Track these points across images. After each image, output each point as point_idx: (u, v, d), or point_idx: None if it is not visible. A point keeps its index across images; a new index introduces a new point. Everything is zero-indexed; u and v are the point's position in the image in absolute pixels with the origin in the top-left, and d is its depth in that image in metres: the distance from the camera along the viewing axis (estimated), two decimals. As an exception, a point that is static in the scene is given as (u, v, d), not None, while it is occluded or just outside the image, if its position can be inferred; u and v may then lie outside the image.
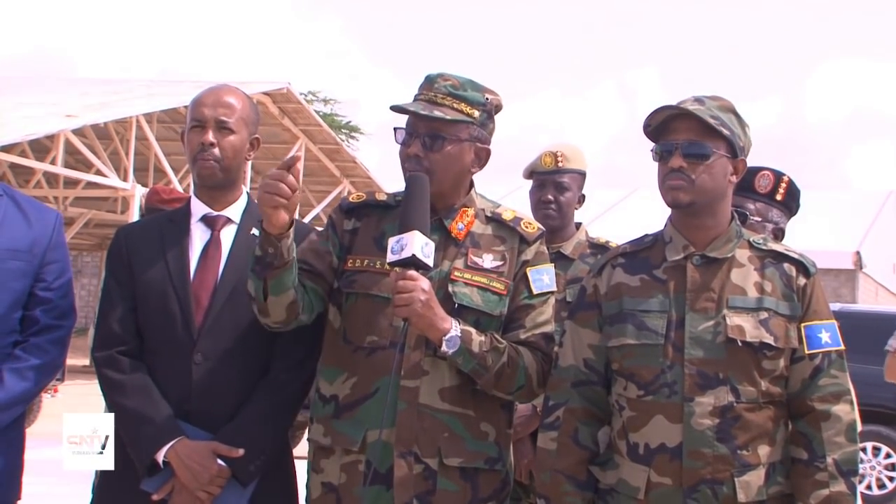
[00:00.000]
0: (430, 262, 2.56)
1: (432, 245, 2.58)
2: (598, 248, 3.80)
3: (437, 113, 2.70)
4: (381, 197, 2.85)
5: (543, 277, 2.79)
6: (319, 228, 2.94)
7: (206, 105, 2.84)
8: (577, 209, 3.87)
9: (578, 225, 3.88)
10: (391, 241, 2.56)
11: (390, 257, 2.55)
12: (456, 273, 2.70)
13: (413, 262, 2.53)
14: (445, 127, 2.72)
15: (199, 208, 2.90)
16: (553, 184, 3.78)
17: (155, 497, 2.72)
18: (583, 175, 3.86)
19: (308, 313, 2.70)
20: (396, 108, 2.75)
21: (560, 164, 3.79)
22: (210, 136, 2.81)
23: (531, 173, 3.86)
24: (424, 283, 2.56)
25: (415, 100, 2.76)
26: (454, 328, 2.59)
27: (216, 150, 2.81)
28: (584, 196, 3.89)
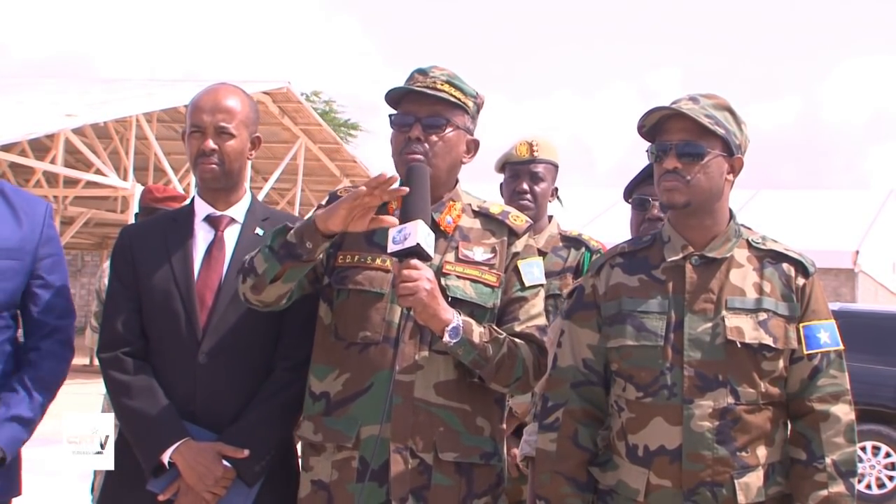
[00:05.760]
0: (431, 252, 2.56)
1: (433, 235, 2.57)
2: (571, 240, 3.77)
3: (442, 95, 2.71)
4: None
5: (534, 270, 2.80)
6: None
7: (204, 111, 2.82)
8: (549, 202, 3.83)
9: (550, 218, 3.83)
10: (392, 231, 2.55)
11: (391, 247, 2.54)
12: (448, 266, 2.71)
13: (416, 252, 2.52)
14: (446, 111, 2.73)
15: (202, 208, 2.90)
16: (528, 174, 3.73)
17: (161, 498, 2.73)
18: (556, 167, 3.81)
19: (289, 300, 2.70)
20: (397, 91, 2.75)
21: (535, 154, 3.74)
22: (210, 143, 2.80)
23: (503, 165, 3.80)
24: (428, 272, 2.56)
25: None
26: (455, 318, 2.59)
27: (216, 156, 2.81)
28: (556, 189, 3.85)
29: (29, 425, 2.79)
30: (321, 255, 2.60)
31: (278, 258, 2.56)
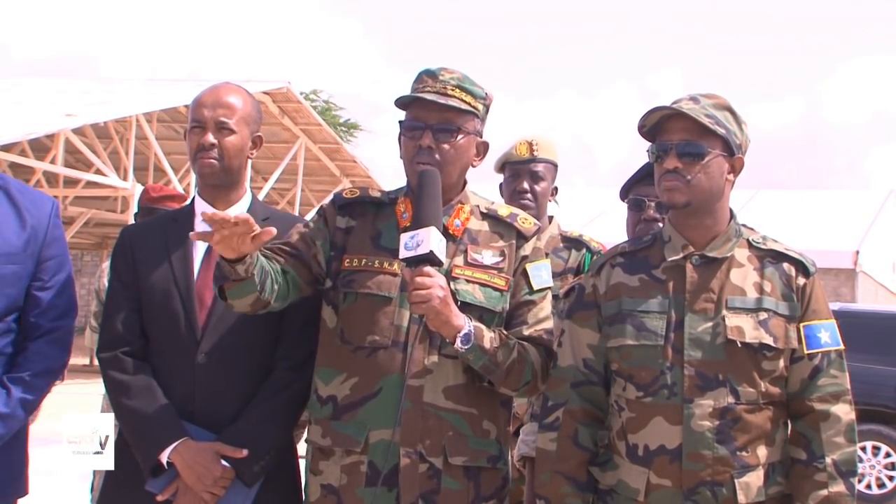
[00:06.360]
0: (443, 258, 2.55)
1: (444, 242, 2.57)
2: (572, 241, 3.76)
3: (453, 103, 2.69)
4: (376, 193, 2.83)
5: (542, 273, 2.79)
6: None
7: (205, 106, 2.83)
8: (549, 201, 3.82)
9: (551, 218, 3.82)
10: (405, 237, 2.54)
11: (403, 253, 2.53)
12: (457, 270, 2.69)
13: (428, 259, 2.51)
14: (457, 118, 2.71)
15: (202, 208, 2.89)
16: (528, 173, 3.71)
17: (159, 498, 2.72)
18: (556, 167, 3.80)
19: (281, 301, 2.66)
20: (407, 98, 2.72)
21: (535, 153, 3.73)
22: (210, 138, 2.80)
23: (503, 165, 3.78)
24: (441, 279, 2.54)
25: (421, 93, 2.72)
26: (467, 325, 2.58)
27: (216, 151, 2.81)
28: (556, 189, 3.83)
29: (5, 420, 2.72)
30: (250, 272, 2.49)
31: (215, 279, 2.57)
